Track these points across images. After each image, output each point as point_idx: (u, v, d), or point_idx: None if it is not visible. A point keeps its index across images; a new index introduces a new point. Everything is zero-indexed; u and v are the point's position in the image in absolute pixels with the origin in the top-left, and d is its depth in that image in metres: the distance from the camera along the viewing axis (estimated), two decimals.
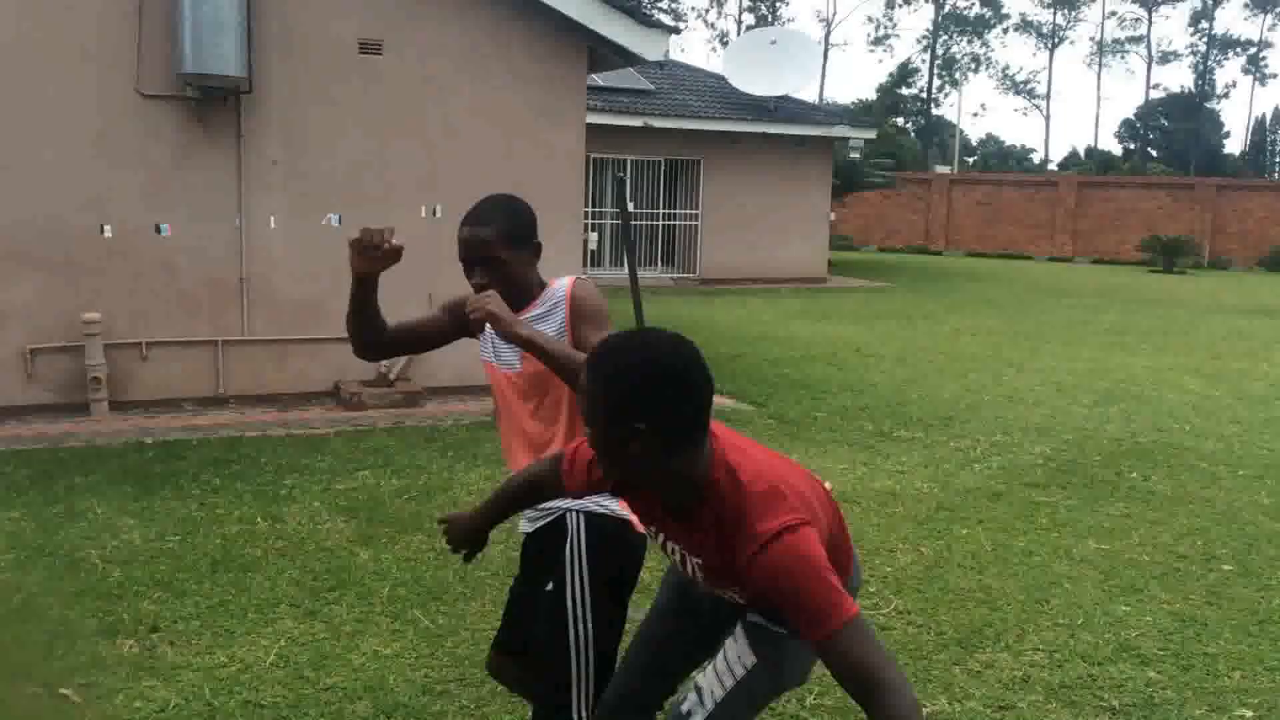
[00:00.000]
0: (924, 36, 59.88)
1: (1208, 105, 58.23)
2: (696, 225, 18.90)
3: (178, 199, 7.49)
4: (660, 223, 19.08)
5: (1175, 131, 56.91)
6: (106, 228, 7.32)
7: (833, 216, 21.13)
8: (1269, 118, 61.42)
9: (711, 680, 2.14)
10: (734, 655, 2.13)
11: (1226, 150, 59.43)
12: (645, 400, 1.81)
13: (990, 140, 71.33)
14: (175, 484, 5.65)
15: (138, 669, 3.48)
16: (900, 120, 54.20)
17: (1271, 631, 4.12)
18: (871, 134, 21.75)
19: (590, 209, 17.75)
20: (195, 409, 7.60)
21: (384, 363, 8.15)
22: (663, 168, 18.78)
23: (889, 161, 27.57)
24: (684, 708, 2.17)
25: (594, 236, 18.14)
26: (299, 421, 7.34)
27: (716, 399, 8.49)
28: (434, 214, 8.17)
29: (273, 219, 7.73)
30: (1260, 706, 3.49)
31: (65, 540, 4.71)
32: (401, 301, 8.34)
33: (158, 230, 7.46)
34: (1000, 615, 4.20)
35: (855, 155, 23.09)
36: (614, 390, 1.82)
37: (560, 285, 2.52)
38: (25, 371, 7.24)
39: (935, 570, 4.70)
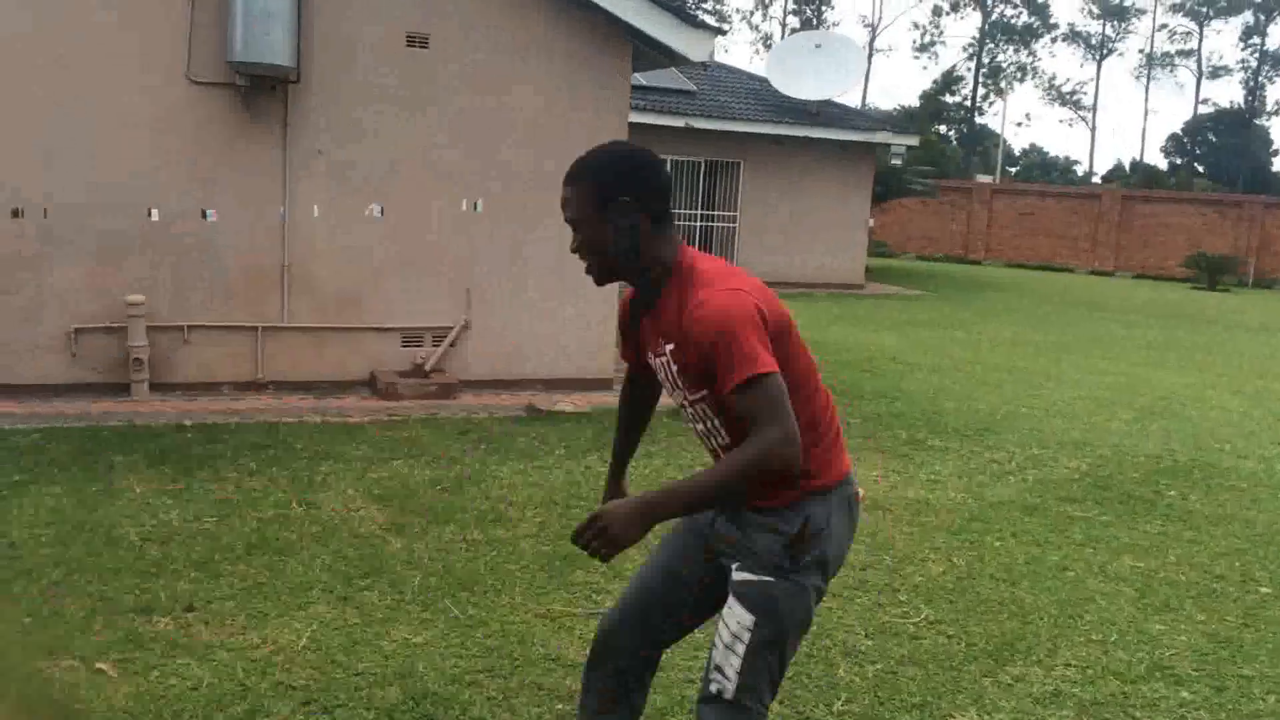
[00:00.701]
0: (970, 44, 59.56)
1: (1257, 122, 57.31)
2: (734, 227, 18.87)
3: (224, 185, 7.58)
4: (699, 224, 19.06)
5: (1223, 147, 56.02)
6: (154, 211, 7.43)
7: (872, 223, 21.01)
8: None
9: (723, 655, 2.20)
10: (733, 623, 2.19)
11: (1276, 169, 58.45)
12: (628, 177, 2.17)
13: (1034, 150, 70.55)
14: (213, 466, 5.72)
15: (173, 646, 3.53)
16: (943, 128, 53.85)
17: None
18: (914, 141, 21.63)
19: None
20: (234, 393, 7.69)
21: (420, 353, 8.21)
22: (703, 169, 18.76)
23: (930, 169, 27.37)
24: (711, 689, 2.20)
25: None
26: (335, 409, 7.41)
27: None
28: (474, 208, 8.21)
29: (316, 208, 7.81)
30: None
31: (104, 517, 4.78)
32: (438, 295, 8.40)
33: (204, 215, 7.56)
34: (1032, 629, 4.16)
35: (897, 162, 22.95)
36: (602, 174, 2.17)
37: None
38: (69, 351, 7.36)
39: (967, 581, 4.66)
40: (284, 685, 3.31)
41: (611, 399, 8.38)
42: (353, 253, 7.96)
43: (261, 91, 7.51)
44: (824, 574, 2.26)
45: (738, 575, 2.21)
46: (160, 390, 7.49)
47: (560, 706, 3.28)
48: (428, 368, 8.21)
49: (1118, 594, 4.59)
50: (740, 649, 2.17)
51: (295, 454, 6.08)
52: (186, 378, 7.64)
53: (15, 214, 7.12)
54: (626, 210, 2.15)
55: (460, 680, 3.43)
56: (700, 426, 2.29)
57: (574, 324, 8.61)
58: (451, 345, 8.33)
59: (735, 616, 2.19)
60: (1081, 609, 4.40)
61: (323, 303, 7.96)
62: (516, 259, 8.39)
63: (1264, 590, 4.75)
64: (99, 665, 3.37)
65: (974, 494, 6.08)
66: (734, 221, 18.86)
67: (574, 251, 2.22)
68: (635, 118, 13.19)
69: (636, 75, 10.68)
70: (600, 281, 2.28)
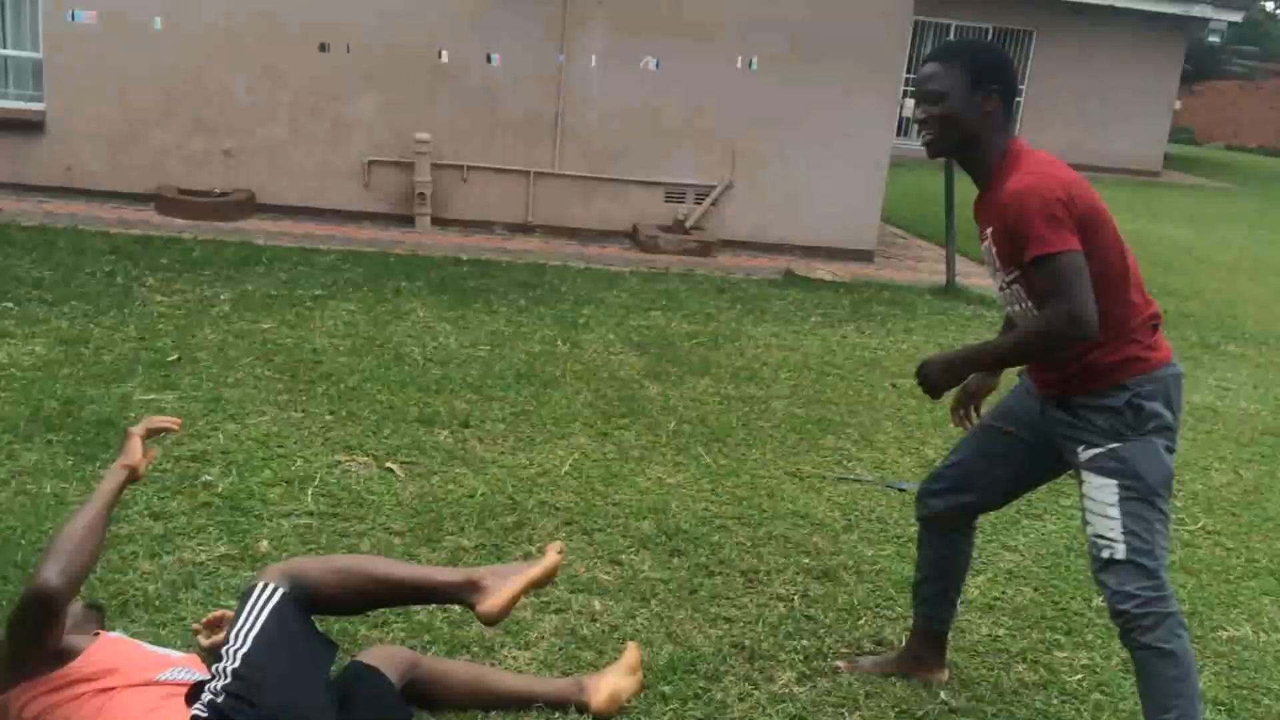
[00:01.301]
0: None
1: None
2: (1019, 101, 17.59)
3: (508, 30, 7.76)
4: None
5: None
6: (444, 52, 7.72)
7: (1178, 105, 19.03)
8: None
9: (1101, 524, 2.29)
10: (1098, 496, 2.29)
11: None
12: (997, 69, 2.36)
13: None
14: (486, 300, 6.04)
15: (451, 457, 3.81)
16: (1273, 4, 47.41)
17: None
18: (1237, 17, 19.17)
19: (910, 75, 16.90)
20: (505, 233, 8.04)
21: (681, 210, 8.25)
22: (990, 36, 17.46)
23: (1254, 49, 24.29)
24: (1103, 554, 2.29)
25: (910, 104, 17.31)
26: (598, 257, 7.61)
27: None
28: (750, 66, 8.03)
29: (594, 58, 7.88)
30: None
31: (393, 335, 5.17)
32: (704, 152, 8.30)
33: (488, 60, 7.79)
34: None
35: (1214, 39, 20.49)
36: (977, 60, 2.36)
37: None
38: (363, 181, 7.89)
39: (1254, 495, 4.30)
40: (548, 505, 3.51)
41: (872, 270, 8.16)
42: (625, 104, 8.01)
43: None
44: (1166, 437, 2.32)
45: (1085, 454, 2.32)
46: (440, 225, 7.94)
47: (806, 561, 3.32)
48: (689, 224, 8.26)
49: None
50: (1114, 513, 2.27)
51: (560, 295, 6.32)
52: (464, 215, 8.04)
53: (322, 48, 7.60)
54: (990, 98, 2.32)
55: (710, 523, 3.52)
56: (1015, 309, 2.41)
57: (839, 192, 8.37)
58: (714, 204, 8.32)
59: (1096, 488, 2.29)
60: None
61: (592, 152, 8.11)
62: (786, 122, 8.19)
63: None
64: (388, 464, 3.69)
65: (1270, 405, 5.54)
66: (1020, 95, 17.56)
67: (919, 122, 2.37)
68: None
69: None
70: (934, 153, 2.45)
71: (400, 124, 7.79)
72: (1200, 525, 3.95)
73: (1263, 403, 5.59)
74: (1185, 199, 15.34)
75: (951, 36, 17.08)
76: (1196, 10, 17.64)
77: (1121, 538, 2.26)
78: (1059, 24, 17.11)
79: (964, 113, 2.33)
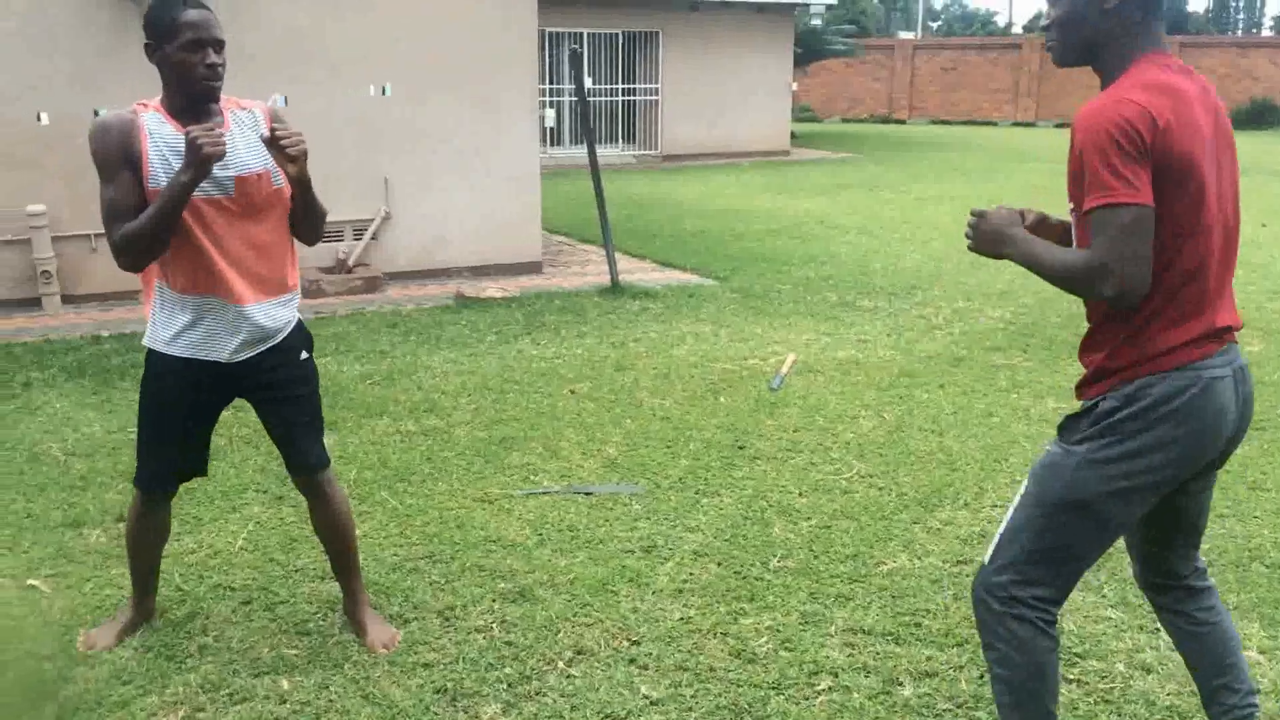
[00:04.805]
0: None
1: None
2: (657, 100, 18.52)
3: (112, 86, 7.20)
4: (619, 99, 18.68)
5: None
6: (43, 115, 7.05)
7: (794, 87, 20.76)
8: None
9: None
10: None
11: (1190, 8, 58.64)
12: None
13: (954, 4, 69.92)
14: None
15: (106, 558, 3.48)
16: None
17: None
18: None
19: (546, 85, 17.31)
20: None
21: (341, 249, 8.02)
22: (620, 41, 18.28)
23: (851, 28, 26.98)
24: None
25: (551, 114, 17.74)
26: None
27: (679, 274, 8.45)
28: (382, 92, 7.92)
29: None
30: (1211, 551, 3.61)
31: (25, 435, 4.66)
32: (353, 187, 8.13)
33: (96, 115, 7.18)
34: (960, 475, 4.29)
35: (816, 22, 22.59)
36: None
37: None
38: None
39: (897, 434, 4.77)
40: (223, 587, 3.30)
41: (541, 281, 8.31)
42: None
43: None
44: (1144, 466, 2.04)
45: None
46: (73, 303, 7.25)
47: (502, 585, 3.32)
48: (351, 262, 8.04)
49: (1041, 435, 4.73)
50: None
51: None
52: (100, 288, 7.38)
53: None
54: None
55: (401, 568, 3.45)
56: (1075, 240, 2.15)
57: (497, 209, 8.45)
58: (374, 238, 8.15)
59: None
60: (1007, 453, 4.53)
61: None
62: (433, 145, 8.16)
63: None
64: (30, 582, 3.32)
65: (903, 350, 6.18)
66: (656, 95, 18.50)
67: (1044, 28, 2.12)
68: None
69: None
70: (1060, 62, 2.13)
71: (6, 199, 7.02)
72: (855, 471, 4.33)
73: (896, 349, 6.22)
74: (813, 172, 16.77)
75: (583, 44, 17.72)
76: None
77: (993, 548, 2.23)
78: (680, 23, 18.18)
79: (1084, 13, 2.03)
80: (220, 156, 2.51)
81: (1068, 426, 2.13)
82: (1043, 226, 2.24)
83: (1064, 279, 2.00)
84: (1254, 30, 60.66)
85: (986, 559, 2.19)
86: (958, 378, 5.62)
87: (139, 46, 2.62)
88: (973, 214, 2.18)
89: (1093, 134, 1.91)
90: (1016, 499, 2.17)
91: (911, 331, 6.61)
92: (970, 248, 2.17)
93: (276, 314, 2.80)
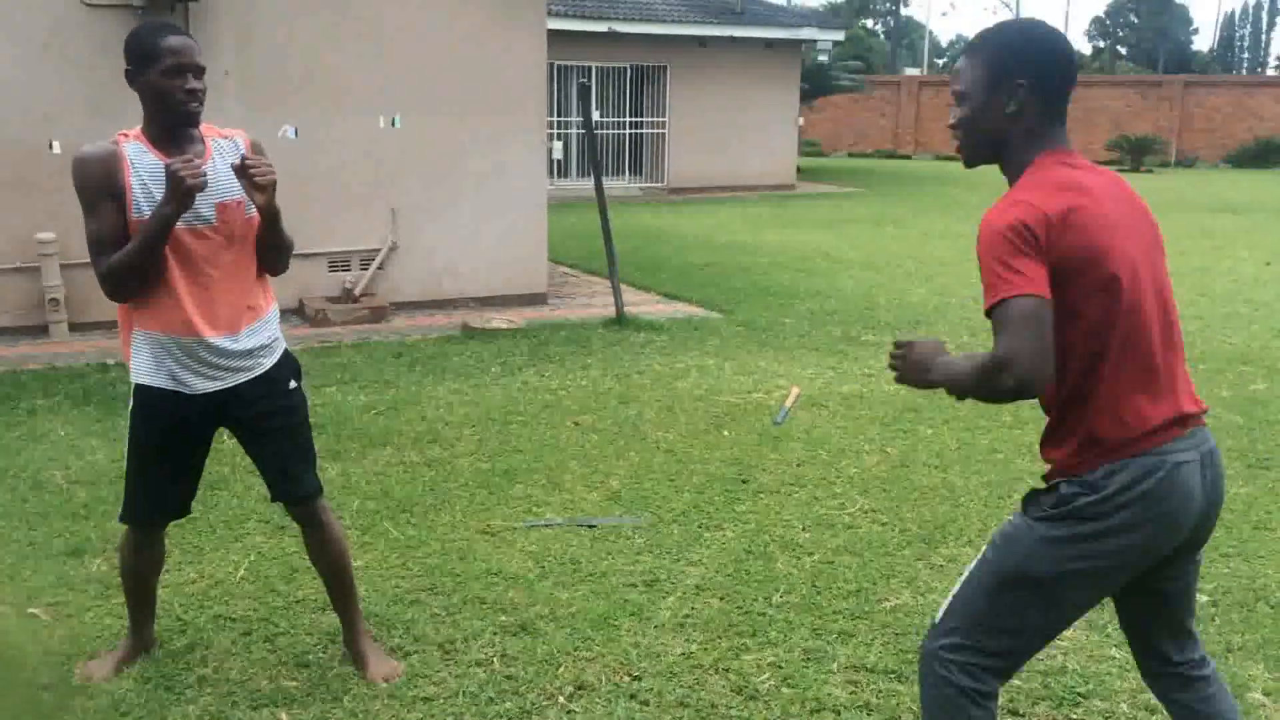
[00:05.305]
0: None
1: (1177, 1, 57.62)
2: (664, 134, 18.65)
3: (124, 111, 7.26)
4: (627, 131, 18.80)
5: (1144, 29, 56.35)
6: (55, 144, 7.11)
7: (801, 121, 20.90)
8: (1238, 13, 60.92)
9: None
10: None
11: (1195, 47, 59.04)
12: (1028, 56, 2.02)
13: (960, 41, 70.43)
14: None
15: (106, 587, 3.48)
16: (869, 22, 53.34)
17: None
18: (840, 36, 21.41)
19: (555, 118, 17.45)
20: None
21: (348, 278, 8.06)
22: (628, 74, 18.43)
23: (858, 64, 27.21)
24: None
25: (558, 146, 17.87)
26: None
27: (684, 307, 8.47)
28: (392, 124, 7.99)
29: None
30: (1215, 591, 3.58)
31: (29, 462, 4.67)
32: (362, 217, 8.21)
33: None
34: (963, 511, 4.27)
35: (823, 58, 22.76)
36: (1002, 46, 2.05)
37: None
38: None
39: (900, 470, 4.76)
40: (223, 618, 3.29)
41: (547, 312, 8.33)
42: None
43: (159, 11, 7.16)
44: (1099, 551, 2.00)
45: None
46: (80, 330, 7.28)
47: (503, 618, 3.31)
48: (357, 292, 8.07)
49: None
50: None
51: None
52: (108, 315, 7.40)
53: None
54: (1014, 95, 2.02)
55: (402, 600, 3.43)
56: None
57: (503, 240, 8.49)
58: (380, 268, 8.19)
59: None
60: (1010, 488, 4.51)
61: None
62: (441, 176, 8.21)
63: None
64: (31, 610, 3.31)
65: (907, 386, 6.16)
66: (663, 128, 18.63)
67: (952, 126, 2.12)
68: (555, 24, 12.88)
69: None
70: (969, 162, 2.16)
71: (17, 226, 7.07)
72: (859, 506, 4.32)
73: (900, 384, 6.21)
74: (818, 206, 16.84)
75: (591, 78, 17.87)
76: (804, 33, 19.50)
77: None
78: (688, 56, 18.34)
79: (987, 115, 2.05)
80: (201, 188, 2.53)
81: (1031, 501, 2.09)
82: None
83: (976, 383, 1.95)
84: (1259, 69, 61.05)
85: (937, 618, 2.13)
86: (961, 413, 5.61)
87: None
88: (897, 345, 2.13)
89: (986, 238, 1.93)
90: (975, 562, 2.12)
91: None
92: (897, 379, 2.12)
93: (247, 342, 2.81)
